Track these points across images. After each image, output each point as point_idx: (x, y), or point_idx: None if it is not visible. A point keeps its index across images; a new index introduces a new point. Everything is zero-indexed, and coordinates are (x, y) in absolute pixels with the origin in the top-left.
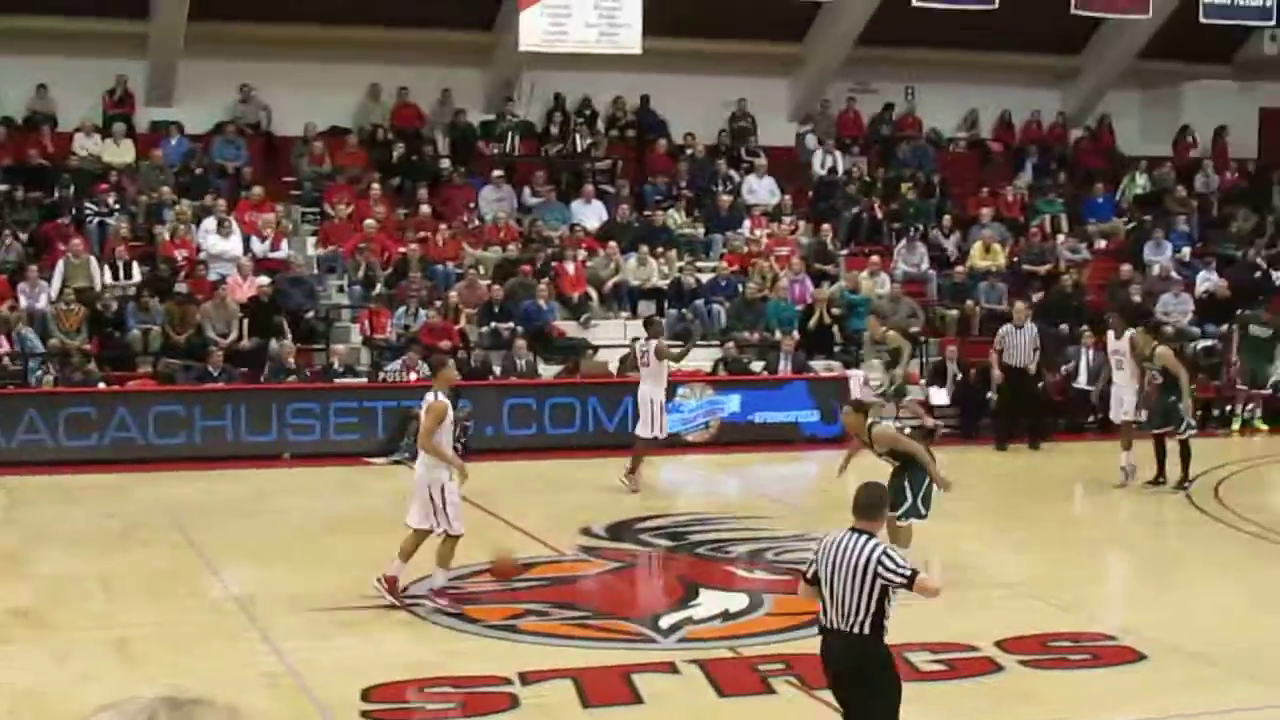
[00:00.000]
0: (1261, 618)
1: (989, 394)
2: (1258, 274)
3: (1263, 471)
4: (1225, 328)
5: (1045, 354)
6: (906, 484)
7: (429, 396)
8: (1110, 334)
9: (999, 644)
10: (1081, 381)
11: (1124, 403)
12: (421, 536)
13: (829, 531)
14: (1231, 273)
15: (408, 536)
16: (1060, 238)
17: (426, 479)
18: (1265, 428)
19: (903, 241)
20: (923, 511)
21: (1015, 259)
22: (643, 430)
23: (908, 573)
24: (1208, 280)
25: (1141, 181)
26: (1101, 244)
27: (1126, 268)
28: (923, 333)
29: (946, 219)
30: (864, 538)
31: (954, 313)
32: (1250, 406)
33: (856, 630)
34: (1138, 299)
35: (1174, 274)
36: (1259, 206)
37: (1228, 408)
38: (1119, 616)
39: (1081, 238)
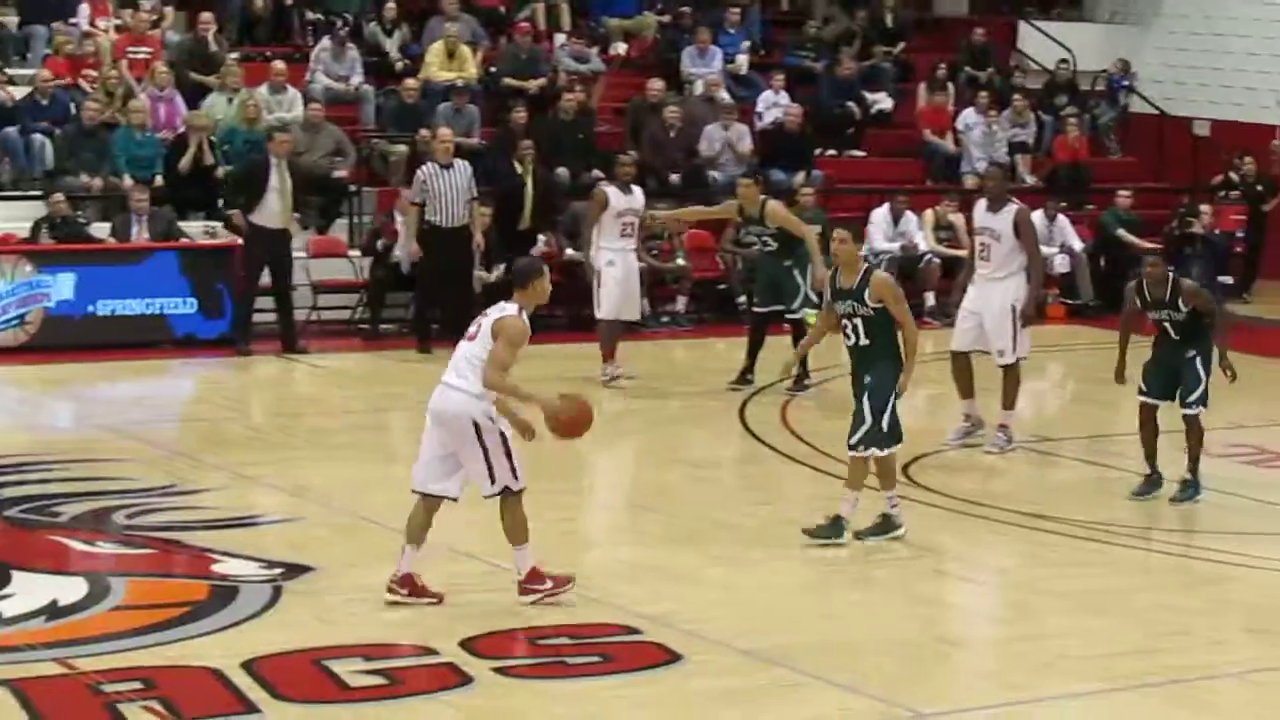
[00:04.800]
0: (844, 594)
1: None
2: (848, 103)
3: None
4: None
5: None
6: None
7: (508, 308)
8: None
9: (466, 644)
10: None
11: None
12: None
13: None
14: (810, 97)
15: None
16: (560, 39)
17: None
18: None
19: (324, 40)
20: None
21: (492, 69)
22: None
23: None
24: (774, 106)
25: None
26: (620, 49)
27: (657, 84)
28: (352, 178)
29: (390, 8)
30: None
31: (402, 148)
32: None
33: None
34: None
35: (724, 95)
36: None
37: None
38: (645, 599)
39: (591, 39)
